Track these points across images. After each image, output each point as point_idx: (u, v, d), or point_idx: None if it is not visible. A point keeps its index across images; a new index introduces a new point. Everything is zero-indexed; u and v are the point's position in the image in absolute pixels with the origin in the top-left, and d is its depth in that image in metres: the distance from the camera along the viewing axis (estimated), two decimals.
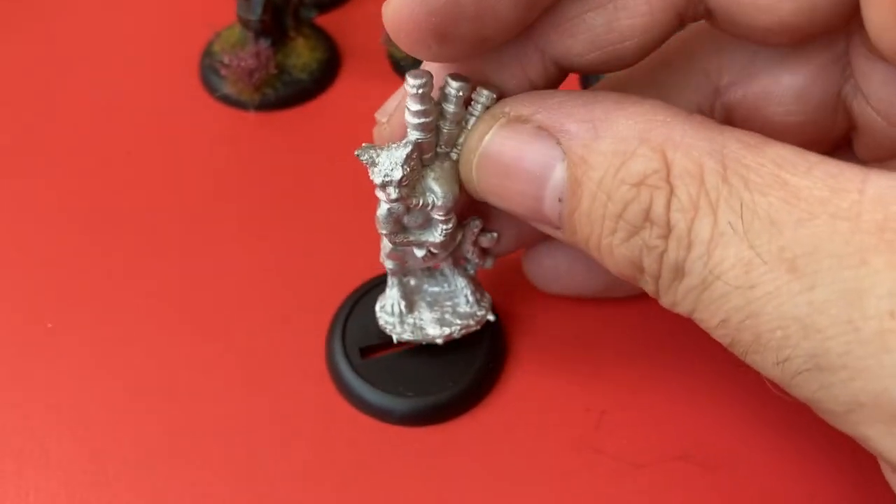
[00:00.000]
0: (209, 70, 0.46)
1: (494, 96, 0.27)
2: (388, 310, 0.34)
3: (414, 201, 0.28)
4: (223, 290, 0.37)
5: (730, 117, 0.30)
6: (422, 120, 0.26)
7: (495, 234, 0.33)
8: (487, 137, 0.27)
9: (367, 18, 0.50)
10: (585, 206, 0.25)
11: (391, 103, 0.30)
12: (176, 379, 0.34)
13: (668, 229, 0.23)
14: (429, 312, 0.34)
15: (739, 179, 0.22)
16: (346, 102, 0.46)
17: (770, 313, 0.22)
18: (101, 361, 0.35)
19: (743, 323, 0.22)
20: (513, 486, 0.31)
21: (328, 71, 0.46)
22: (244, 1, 0.44)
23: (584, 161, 0.24)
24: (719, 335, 0.24)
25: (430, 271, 0.34)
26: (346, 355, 0.34)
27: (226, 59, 0.44)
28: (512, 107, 0.27)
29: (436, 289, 0.34)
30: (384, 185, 0.27)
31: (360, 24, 0.50)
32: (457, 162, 0.29)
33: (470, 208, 0.31)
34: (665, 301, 0.25)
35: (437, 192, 0.28)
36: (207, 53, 0.47)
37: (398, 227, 0.30)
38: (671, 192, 0.23)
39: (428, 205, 0.28)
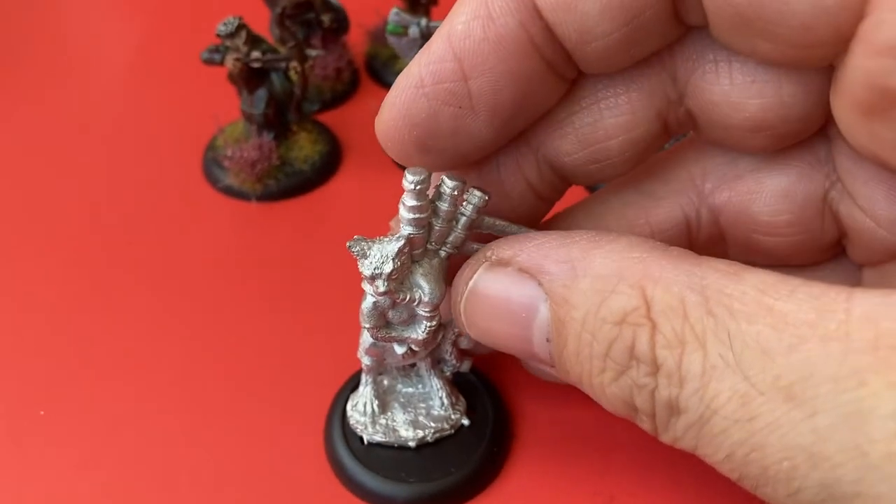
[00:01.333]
0: (212, 163, 0.47)
1: (486, 198, 0.28)
2: (360, 409, 0.33)
3: (401, 296, 0.28)
4: (222, 375, 0.37)
5: (716, 219, 0.30)
6: (416, 216, 0.27)
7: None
8: (472, 281, 0.27)
9: (367, 114, 0.51)
10: (572, 346, 0.25)
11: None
12: (172, 467, 0.33)
13: (655, 366, 0.23)
14: (402, 414, 0.33)
15: (724, 309, 0.22)
16: (347, 193, 0.46)
17: (774, 444, 0.21)
18: (94, 448, 0.34)
19: (748, 456, 0.22)
20: None
21: (329, 163, 0.47)
22: (248, 95, 0.45)
23: (566, 301, 0.25)
24: (726, 470, 0.23)
25: (406, 371, 0.34)
26: (346, 441, 0.33)
27: (229, 152, 0.45)
28: (494, 250, 0.27)
29: (410, 390, 0.34)
30: (373, 278, 0.27)
31: (361, 120, 0.51)
32: (445, 259, 0.29)
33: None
34: (665, 438, 0.24)
35: (424, 288, 0.28)
36: (211, 148, 0.48)
37: (382, 321, 0.29)
38: (654, 328, 0.23)
39: (415, 300, 0.28)
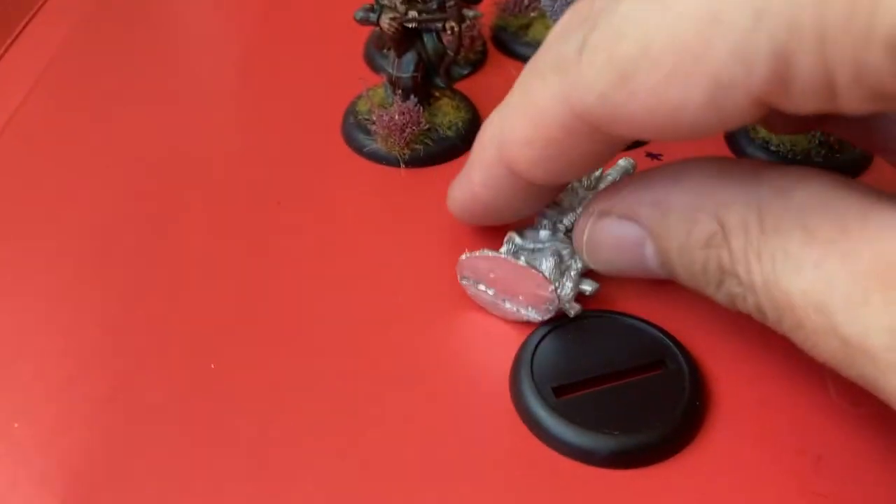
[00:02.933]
0: (353, 128, 0.46)
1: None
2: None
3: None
4: (383, 347, 0.36)
5: None
6: None
7: (597, 286, 0.35)
8: (587, 231, 0.33)
9: (499, 84, 0.50)
10: (679, 268, 0.30)
11: None
12: (366, 428, 0.33)
13: (738, 279, 0.27)
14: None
15: (771, 227, 0.26)
16: None
17: (820, 347, 0.26)
18: (269, 400, 0.33)
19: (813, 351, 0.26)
20: None
21: (473, 130, 0.46)
22: (395, 58, 0.44)
23: (661, 235, 0.30)
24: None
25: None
26: (539, 393, 0.32)
27: (375, 116, 0.44)
28: (597, 204, 0.32)
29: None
30: None
31: (494, 89, 0.50)
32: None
33: None
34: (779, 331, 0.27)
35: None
36: (350, 112, 0.47)
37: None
38: (729, 248, 0.27)
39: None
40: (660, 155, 0.45)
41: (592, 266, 0.34)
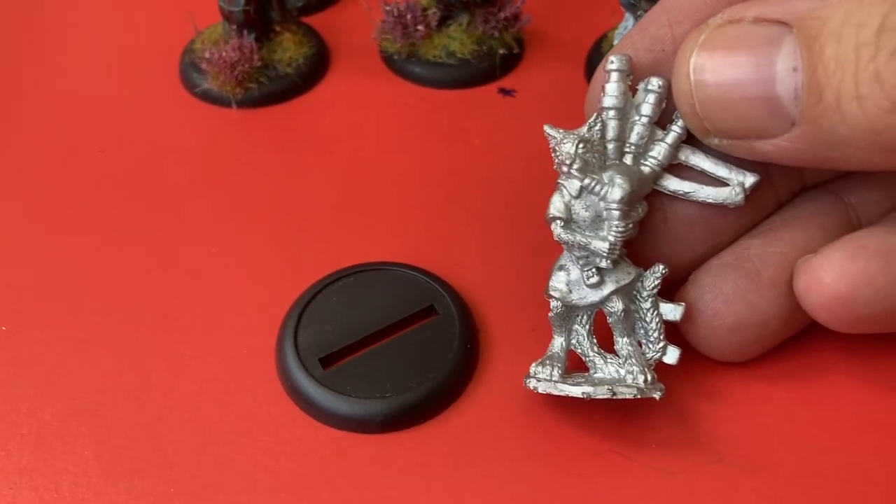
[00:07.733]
0: (189, 67, 0.43)
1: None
2: (545, 371, 0.29)
3: (588, 180, 0.27)
4: (190, 285, 0.34)
5: None
6: (614, 100, 0.28)
7: (683, 307, 0.29)
8: (703, 37, 0.26)
9: (355, 17, 0.47)
10: (831, 50, 0.23)
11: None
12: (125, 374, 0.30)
13: None
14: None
15: None
16: (336, 98, 0.43)
17: None
18: (53, 362, 0.31)
19: None
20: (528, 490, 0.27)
21: (316, 66, 0.44)
22: None
23: (816, 17, 0.24)
24: None
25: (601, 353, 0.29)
26: (305, 368, 0.30)
27: (207, 54, 0.41)
28: (725, 14, 0.26)
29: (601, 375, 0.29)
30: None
31: (349, 23, 0.47)
32: (649, 175, 0.28)
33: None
34: None
35: (616, 179, 0.27)
36: (188, 52, 0.44)
37: (567, 213, 0.28)
38: None
39: (602, 189, 0.27)
40: (513, 91, 0.43)
41: (691, 105, 0.26)
